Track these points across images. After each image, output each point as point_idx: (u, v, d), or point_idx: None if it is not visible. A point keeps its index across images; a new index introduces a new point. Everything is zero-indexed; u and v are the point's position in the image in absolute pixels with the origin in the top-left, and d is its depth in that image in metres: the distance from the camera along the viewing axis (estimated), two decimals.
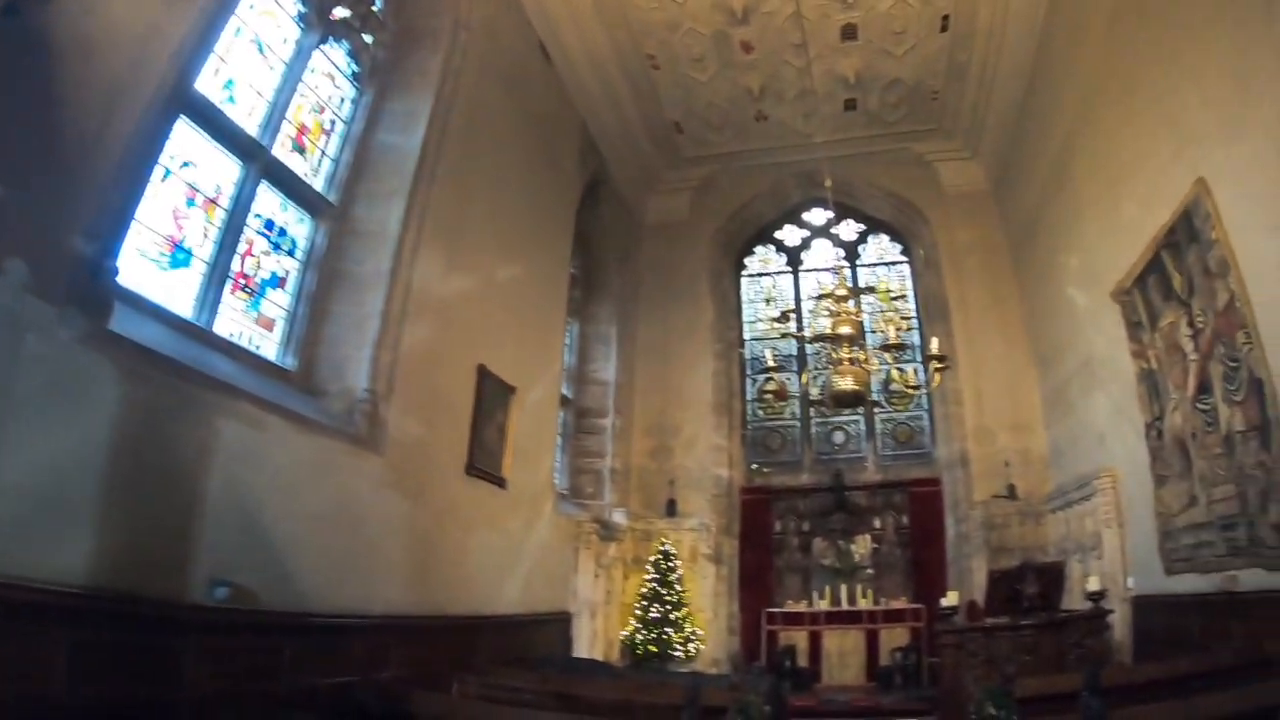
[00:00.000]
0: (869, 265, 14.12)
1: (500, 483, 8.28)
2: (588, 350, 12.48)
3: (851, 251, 14.18)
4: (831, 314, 7.76)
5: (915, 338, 13.18)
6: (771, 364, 8.41)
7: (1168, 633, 7.29)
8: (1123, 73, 8.04)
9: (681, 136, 13.67)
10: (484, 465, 7.96)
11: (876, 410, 13.01)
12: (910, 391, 7.99)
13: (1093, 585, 7.38)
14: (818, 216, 14.33)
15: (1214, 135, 6.50)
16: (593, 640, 10.21)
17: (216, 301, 5.53)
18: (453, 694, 6.23)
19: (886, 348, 7.78)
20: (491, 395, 8.18)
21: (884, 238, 14.10)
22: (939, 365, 6.97)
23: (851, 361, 6.85)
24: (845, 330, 7.04)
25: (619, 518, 11.46)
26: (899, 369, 12.53)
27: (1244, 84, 5.96)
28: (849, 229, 14.31)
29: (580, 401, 12.11)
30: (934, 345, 7.24)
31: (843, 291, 7.39)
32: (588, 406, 12.15)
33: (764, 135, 13.47)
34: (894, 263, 14.06)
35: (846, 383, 6.62)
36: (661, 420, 12.86)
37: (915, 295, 13.48)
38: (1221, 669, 5.63)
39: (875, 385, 13.16)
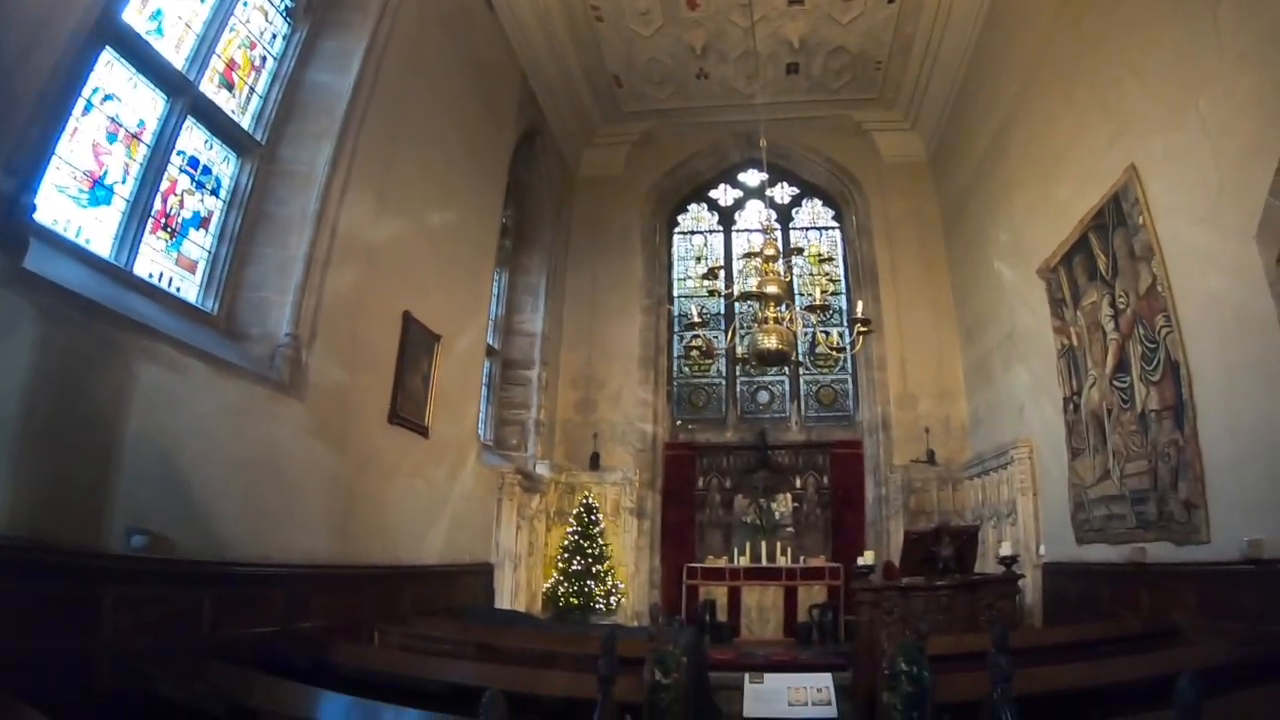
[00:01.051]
0: (801, 229, 14.22)
1: (423, 432, 8.13)
2: (516, 301, 12.27)
3: (785, 214, 14.22)
4: (759, 273, 7.74)
5: (843, 302, 13.37)
6: (698, 321, 8.39)
7: (1079, 599, 7.65)
8: (1066, 58, 8.18)
9: (621, 90, 13.42)
10: (407, 414, 7.79)
11: (802, 372, 13.23)
12: (835, 354, 8.11)
13: (1005, 550, 7.68)
14: (753, 178, 14.31)
15: (1150, 125, 6.69)
16: (515, 592, 10.19)
17: (137, 241, 5.22)
18: (374, 644, 6.20)
19: (812, 309, 7.81)
20: (416, 343, 7.99)
21: (817, 203, 14.20)
22: (863, 329, 7.05)
23: (777, 321, 6.86)
24: (771, 289, 7.04)
25: (543, 470, 11.40)
26: (824, 332, 12.83)
27: (1184, 79, 6.13)
28: (783, 192, 14.33)
29: (507, 353, 11.94)
30: (859, 308, 7.25)
31: (771, 251, 7.37)
32: (514, 358, 11.98)
33: (704, 93, 13.32)
34: (826, 228, 14.17)
35: (770, 341, 6.63)
36: (588, 373, 12.83)
37: (845, 261, 13.65)
38: (1130, 635, 5.94)
39: (801, 346, 13.46)
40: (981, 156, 10.92)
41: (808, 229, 14.20)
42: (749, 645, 10.51)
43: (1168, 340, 6.46)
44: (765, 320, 6.84)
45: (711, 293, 10.83)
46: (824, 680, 4.40)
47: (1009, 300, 10.04)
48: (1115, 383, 7.33)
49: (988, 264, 10.76)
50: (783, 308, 7.58)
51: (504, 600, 9.84)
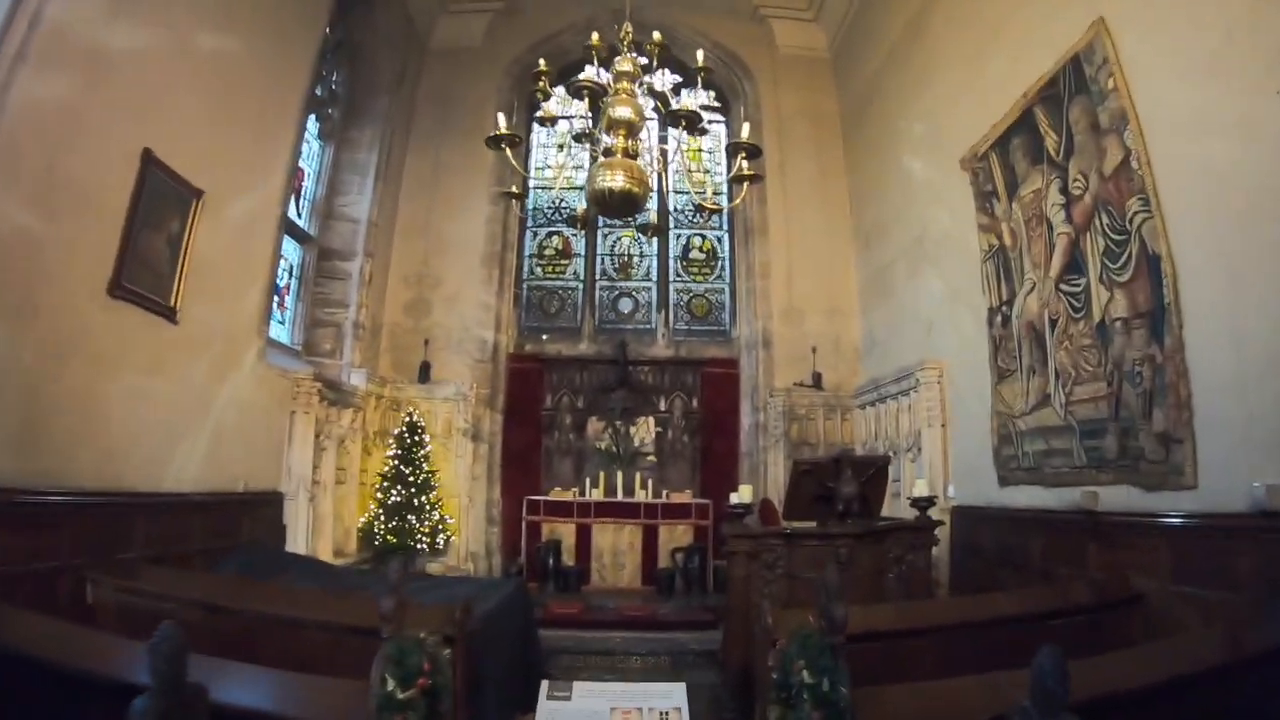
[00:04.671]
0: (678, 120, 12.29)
1: (168, 314, 5.95)
2: (340, 181, 10.03)
3: (664, 102, 12.27)
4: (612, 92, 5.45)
5: (723, 201, 11.67)
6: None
7: (997, 553, 6.34)
8: None
9: None
10: (142, 287, 5.62)
11: (673, 278, 11.56)
12: (711, 208, 6.04)
13: (920, 490, 6.21)
14: (629, 64, 12.20)
15: None
16: (318, 528, 8.20)
17: None
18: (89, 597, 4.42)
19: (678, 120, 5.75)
20: (161, 195, 5.80)
21: (702, 93, 12.26)
22: (747, 170, 5.15)
23: (628, 154, 4.87)
24: (623, 112, 5.04)
25: (357, 380, 9.29)
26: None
27: None
28: (664, 79, 12.35)
29: (325, 240, 9.73)
30: (744, 132, 5.31)
31: (627, 67, 5.37)
32: (333, 247, 9.78)
33: None
34: (711, 121, 12.33)
35: (616, 179, 4.66)
36: (422, 270, 10.72)
37: (728, 158, 11.88)
38: (1080, 607, 4.54)
39: (674, 249, 11.75)
40: (894, 44, 9.37)
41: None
42: (600, 595, 8.96)
43: (1144, 229, 5.12)
44: (611, 153, 4.85)
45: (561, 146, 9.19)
46: (674, 698, 2.59)
47: (920, 200, 8.61)
48: (1064, 286, 5.94)
49: (895, 162, 9.30)
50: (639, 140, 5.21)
51: (299, 539, 7.83)
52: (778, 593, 5.59)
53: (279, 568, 5.95)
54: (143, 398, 5.72)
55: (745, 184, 5.16)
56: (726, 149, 6.16)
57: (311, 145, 9.64)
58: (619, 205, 4.87)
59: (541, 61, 5.34)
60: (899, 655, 3.77)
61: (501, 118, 5.10)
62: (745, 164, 5.19)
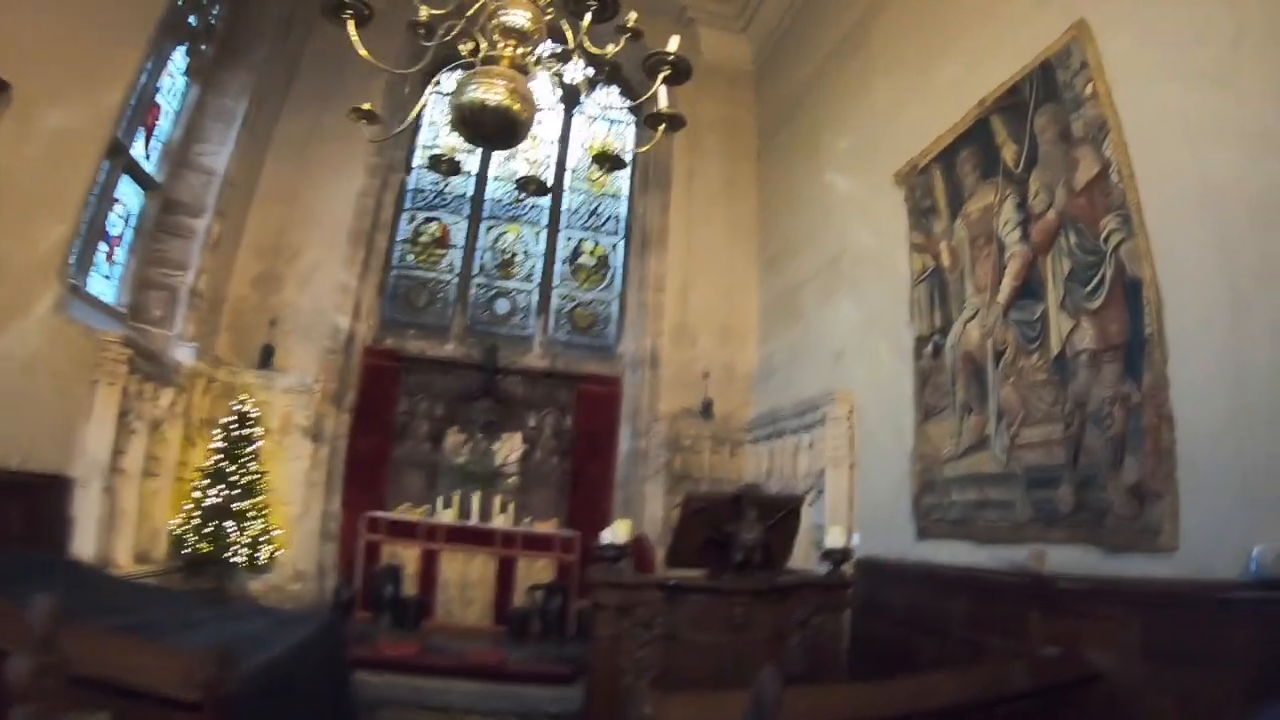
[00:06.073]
0: (590, 117, 11.31)
1: None
2: (201, 127, 8.52)
3: (573, 97, 11.25)
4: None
5: (622, 208, 10.76)
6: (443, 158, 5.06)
7: (909, 616, 5.47)
8: None
9: None
10: None
11: (558, 285, 10.47)
12: (606, 170, 4.73)
13: (833, 540, 5.26)
14: (544, 47, 11.18)
15: None
16: (116, 526, 6.59)
17: None
18: None
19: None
20: None
21: (615, 91, 11.33)
22: (667, 113, 3.94)
23: (517, 68, 3.59)
24: (517, 18, 3.66)
25: (184, 355, 7.70)
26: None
27: None
28: (576, 69, 11.35)
29: (173, 190, 8.19)
30: (663, 100, 4.02)
31: None
32: (181, 199, 8.24)
33: None
34: (618, 121, 11.39)
35: (494, 93, 3.38)
36: (279, 240, 9.22)
37: (634, 160, 10.98)
38: (1019, 693, 3.64)
39: (562, 252, 10.66)
40: (829, 55, 8.70)
41: (596, 118, 11.33)
42: (443, 635, 7.61)
43: (1122, 250, 4.44)
44: (495, 61, 3.58)
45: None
46: None
47: (840, 217, 7.90)
48: (1015, 313, 5.23)
49: (814, 177, 8.60)
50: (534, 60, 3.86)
51: (89, 538, 6.22)
52: (653, 659, 4.57)
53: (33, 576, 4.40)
54: None
55: (660, 127, 4.00)
56: (645, 120, 5.27)
57: (176, 81, 8.21)
58: (493, 129, 3.56)
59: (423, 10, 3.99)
60: None
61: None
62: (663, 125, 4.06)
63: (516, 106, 3.47)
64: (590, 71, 4.70)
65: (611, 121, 11.36)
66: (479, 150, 10.54)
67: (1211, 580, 3.49)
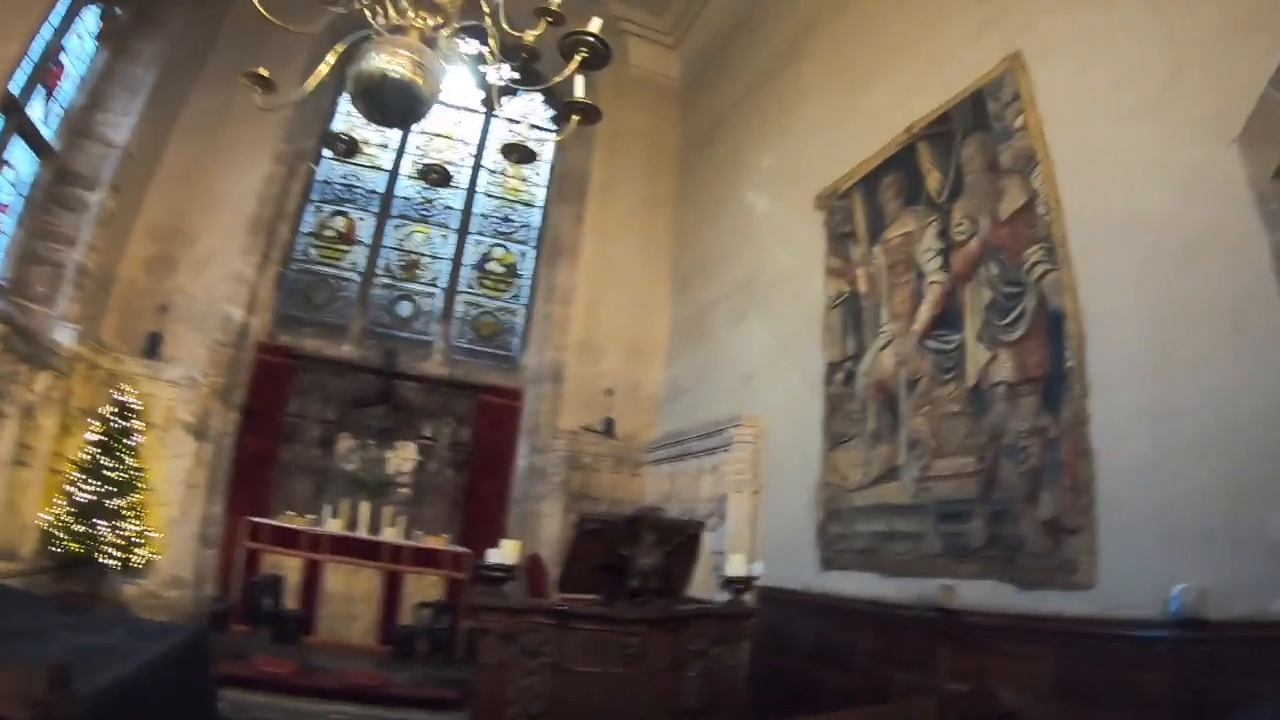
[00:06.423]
0: (510, 121, 10.92)
1: None
2: (106, 94, 7.78)
3: (493, 98, 10.87)
4: None
5: (535, 216, 10.42)
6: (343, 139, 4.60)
7: (815, 649, 5.26)
8: None
9: None
10: None
11: (463, 291, 10.00)
12: (520, 155, 4.18)
13: (735, 568, 5.00)
14: (470, 46, 10.75)
15: (1030, 3, 4.95)
16: None
17: None
18: None
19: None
20: None
21: (539, 97, 11.00)
22: (581, 101, 3.56)
23: (425, 41, 3.22)
24: None
25: (65, 337, 6.92)
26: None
27: None
28: (501, 71, 10.98)
29: (69, 159, 7.44)
30: (579, 90, 3.61)
31: None
32: (77, 170, 7.48)
33: None
34: (539, 126, 11.05)
35: (396, 64, 3.00)
36: (177, 223, 8.48)
37: (551, 168, 10.65)
38: None
39: (470, 257, 10.20)
40: (759, 75, 8.62)
41: (517, 123, 10.95)
42: (324, 652, 7.06)
43: (1045, 282, 4.37)
44: (401, 31, 3.21)
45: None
46: None
47: (758, 238, 7.78)
48: (931, 342, 5.12)
49: (734, 197, 8.48)
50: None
51: None
52: (540, 689, 4.27)
53: None
54: None
55: (573, 118, 3.68)
56: (560, 107, 4.90)
57: (85, 44, 7.58)
58: (393, 103, 3.17)
59: None
60: None
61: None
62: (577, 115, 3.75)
63: (419, 81, 3.10)
64: (512, 74, 4.39)
65: (534, 127, 11.02)
66: (393, 146, 10.12)
67: (1130, 618, 3.41)
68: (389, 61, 3.04)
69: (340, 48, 3.69)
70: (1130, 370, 3.78)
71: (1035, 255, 4.44)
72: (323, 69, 3.74)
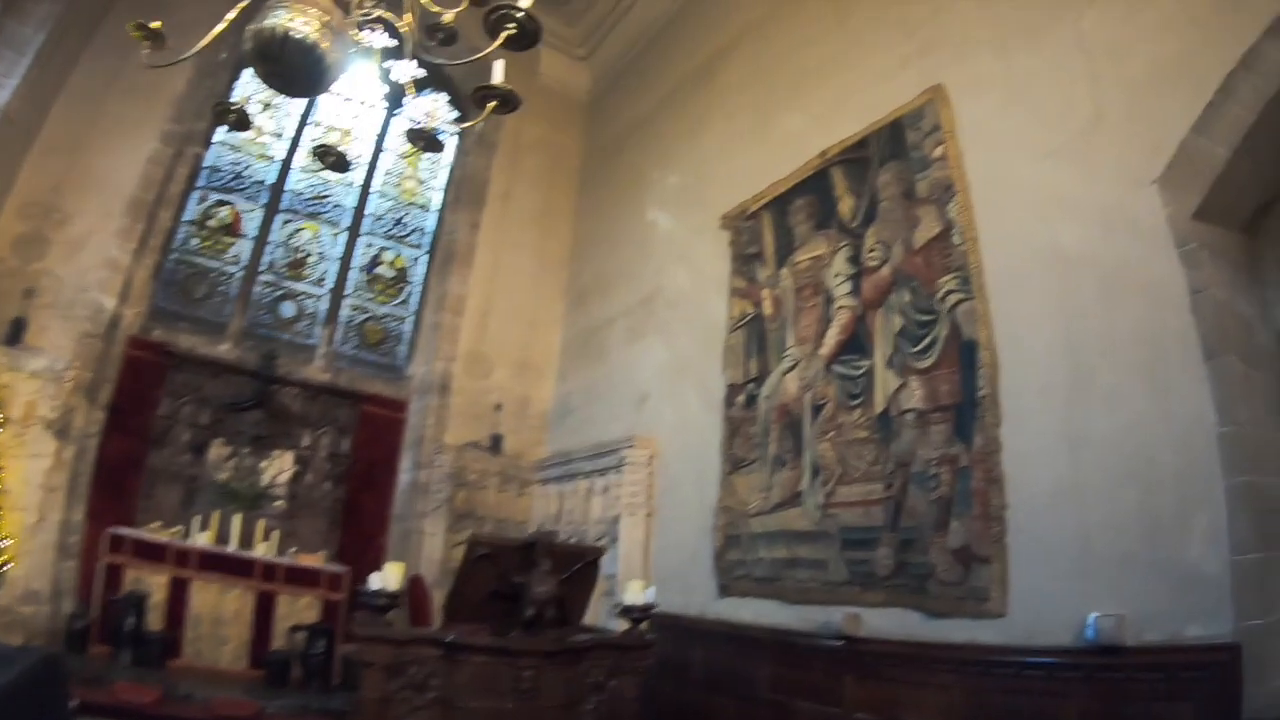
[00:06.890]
0: (414, 121, 10.43)
1: None
2: None
3: (397, 98, 10.36)
4: None
5: (430, 221, 9.96)
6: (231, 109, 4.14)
7: (711, 678, 5.05)
8: None
9: None
10: None
11: (350, 294, 9.40)
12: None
13: (633, 596, 4.75)
14: (379, 39, 10.21)
15: (983, 41, 4.89)
16: None
17: None
18: None
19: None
20: None
21: (444, 98, 10.54)
22: (501, 87, 3.22)
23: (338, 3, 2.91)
24: None
25: None
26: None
27: None
28: (407, 70, 10.47)
29: None
30: (498, 75, 3.34)
31: None
32: None
33: None
34: (440, 131, 10.63)
35: (299, 22, 2.66)
36: (51, 199, 7.59)
37: (450, 172, 10.22)
38: None
39: (359, 258, 9.63)
40: (668, 93, 8.54)
41: (420, 125, 10.47)
42: (190, 678, 6.33)
43: (958, 311, 4.36)
44: None
45: None
46: None
47: (659, 256, 7.64)
48: (838, 367, 5.06)
49: (635, 213, 8.34)
50: None
51: None
52: None
53: None
54: None
55: (489, 105, 3.37)
56: (472, 94, 4.54)
57: None
58: (294, 67, 2.83)
59: None
60: None
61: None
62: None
63: (325, 44, 2.77)
64: (420, 72, 4.08)
65: (438, 128, 10.60)
66: (288, 136, 9.47)
67: (1043, 646, 3.39)
68: (293, 19, 2.71)
69: (244, 3, 3.31)
70: (1044, 400, 3.79)
71: (949, 284, 4.45)
72: (222, 26, 3.35)
